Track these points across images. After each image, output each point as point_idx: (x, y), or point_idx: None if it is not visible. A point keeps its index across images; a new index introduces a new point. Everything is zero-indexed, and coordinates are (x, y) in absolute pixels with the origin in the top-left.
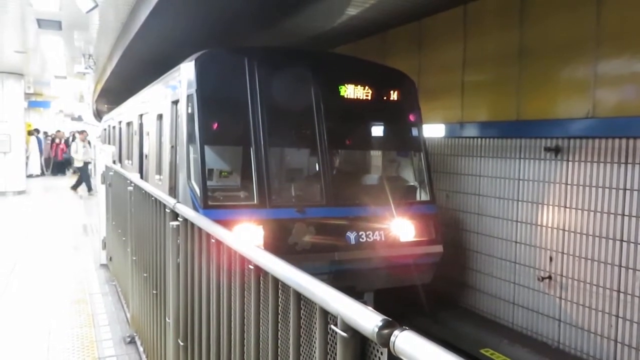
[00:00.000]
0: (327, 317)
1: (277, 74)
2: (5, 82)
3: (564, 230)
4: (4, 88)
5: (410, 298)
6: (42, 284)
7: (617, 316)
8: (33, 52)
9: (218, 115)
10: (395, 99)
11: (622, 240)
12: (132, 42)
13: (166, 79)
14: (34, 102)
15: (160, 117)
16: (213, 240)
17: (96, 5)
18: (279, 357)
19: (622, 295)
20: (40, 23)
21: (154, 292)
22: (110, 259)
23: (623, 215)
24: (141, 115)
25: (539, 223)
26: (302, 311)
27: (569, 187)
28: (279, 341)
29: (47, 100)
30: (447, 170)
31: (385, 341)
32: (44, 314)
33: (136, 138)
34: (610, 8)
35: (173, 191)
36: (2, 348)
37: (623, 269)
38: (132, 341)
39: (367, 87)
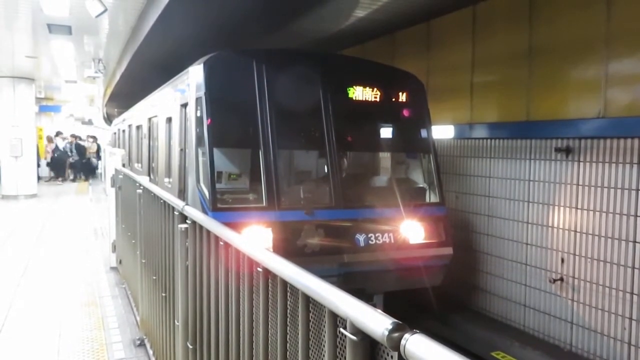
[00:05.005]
0: (337, 320)
1: (286, 76)
2: (16, 86)
3: (575, 231)
4: (15, 93)
5: (420, 300)
6: (52, 287)
7: (630, 318)
8: (44, 57)
9: (227, 118)
10: (404, 100)
11: (635, 242)
12: (141, 46)
13: (175, 82)
14: (45, 106)
15: (169, 120)
16: (222, 243)
17: (105, 10)
18: None
19: (635, 297)
20: (51, 28)
21: (163, 294)
22: (120, 261)
23: (636, 216)
24: (150, 119)
25: (550, 224)
26: (311, 314)
27: (580, 187)
28: (288, 344)
29: (58, 104)
30: (457, 171)
31: (396, 345)
32: (55, 316)
33: (145, 141)
34: (621, 6)
35: (182, 194)
36: (13, 350)
37: (636, 271)
38: (141, 344)
39: (375, 89)
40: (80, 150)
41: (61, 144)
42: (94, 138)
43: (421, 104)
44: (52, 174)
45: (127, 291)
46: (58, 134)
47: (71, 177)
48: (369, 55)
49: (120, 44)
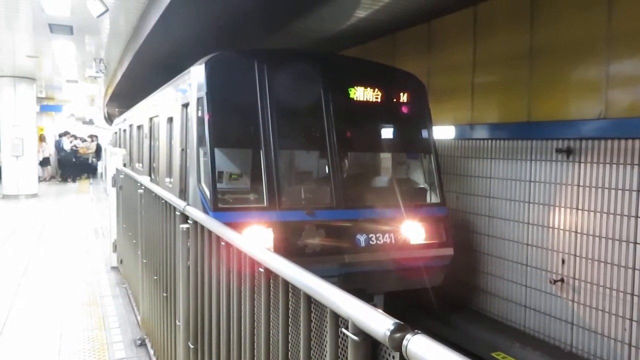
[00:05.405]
0: (338, 320)
1: (287, 77)
2: (17, 86)
3: (576, 232)
4: (16, 92)
5: (420, 301)
6: (53, 286)
7: (630, 319)
8: (45, 57)
9: (228, 118)
10: (405, 100)
11: (635, 243)
12: (142, 46)
13: (176, 82)
14: (46, 106)
15: (170, 120)
16: (223, 243)
17: (107, 10)
18: None
19: (636, 298)
20: (52, 28)
21: (164, 294)
22: (121, 261)
23: (637, 217)
24: (152, 119)
25: (551, 225)
26: (312, 314)
27: (581, 188)
28: (290, 344)
29: (59, 104)
30: (457, 172)
31: (397, 345)
32: (56, 316)
33: (147, 141)
34: (622, 7)
35: (183, 194)
36: (14, 350)
37: (637, 272)
38: (142, 344)
39: (376, 89)
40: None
41: (67, 144)
42: (92, 137)
43: (422, 104)
44: (56, 174)
45: (128, 291)
46: (65, 133)
47: (64, 178)
48: (370, 55)
49: (121, 43)
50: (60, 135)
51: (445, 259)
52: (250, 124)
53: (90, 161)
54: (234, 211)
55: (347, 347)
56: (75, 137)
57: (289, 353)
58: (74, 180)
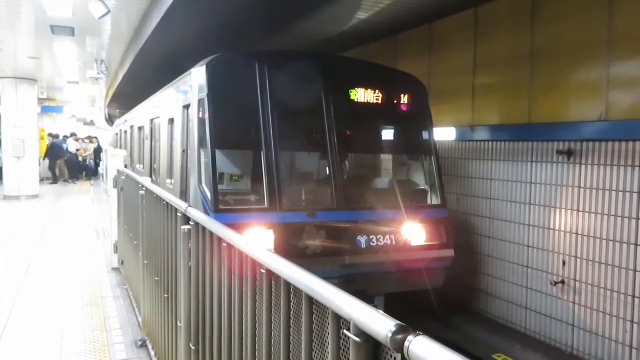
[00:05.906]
0: (340, 321)
1: (288, 78)
2: (19, 87)
3: (577, 234)
4: (18, 93)
5: (421, 302)
6: (54, 287)
7: (632, 321)
8: (46, 58)
9: (229, 119)
10: (406, 102)
11: (637, 245)
12: (143, 48)
13: (177, 83)
14: (47, 107)
15: (171, 121)
16: (224, 244)
17: (109, 11)
18: None
19: (637, 300)
20: (54, 29)
21: (166, 296)
22: (122, 262)
23: (637, 218)
24: (153, 120)
25: (552, 227)
26: (314, 316)
27: (582, 190)
28: (291, 346)
29: (60, 105)
30: (458, 173)
31: (399, 346)
32: (57, 317)
33: (148, 142)
34: (623, 9)
35: (184, 195)
36: (16, 350)
37: (638, 274)
38: (143, 345)
39: (377, 91)
40: (55, 150)
41: (73, 146)
42: (90, 139)
43: (423, 105)
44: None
45: (129, 292)
46: (72, 135)
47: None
48: (371, 56)
49: (122, 45)
50: (58, 137)
51: (446, 261)
52: (251, 125)
53: (87, 162)
54: (235, 212)
55: (348, 349)
56: (77, 139)
57: (291, 354)
58: (73, 181)
